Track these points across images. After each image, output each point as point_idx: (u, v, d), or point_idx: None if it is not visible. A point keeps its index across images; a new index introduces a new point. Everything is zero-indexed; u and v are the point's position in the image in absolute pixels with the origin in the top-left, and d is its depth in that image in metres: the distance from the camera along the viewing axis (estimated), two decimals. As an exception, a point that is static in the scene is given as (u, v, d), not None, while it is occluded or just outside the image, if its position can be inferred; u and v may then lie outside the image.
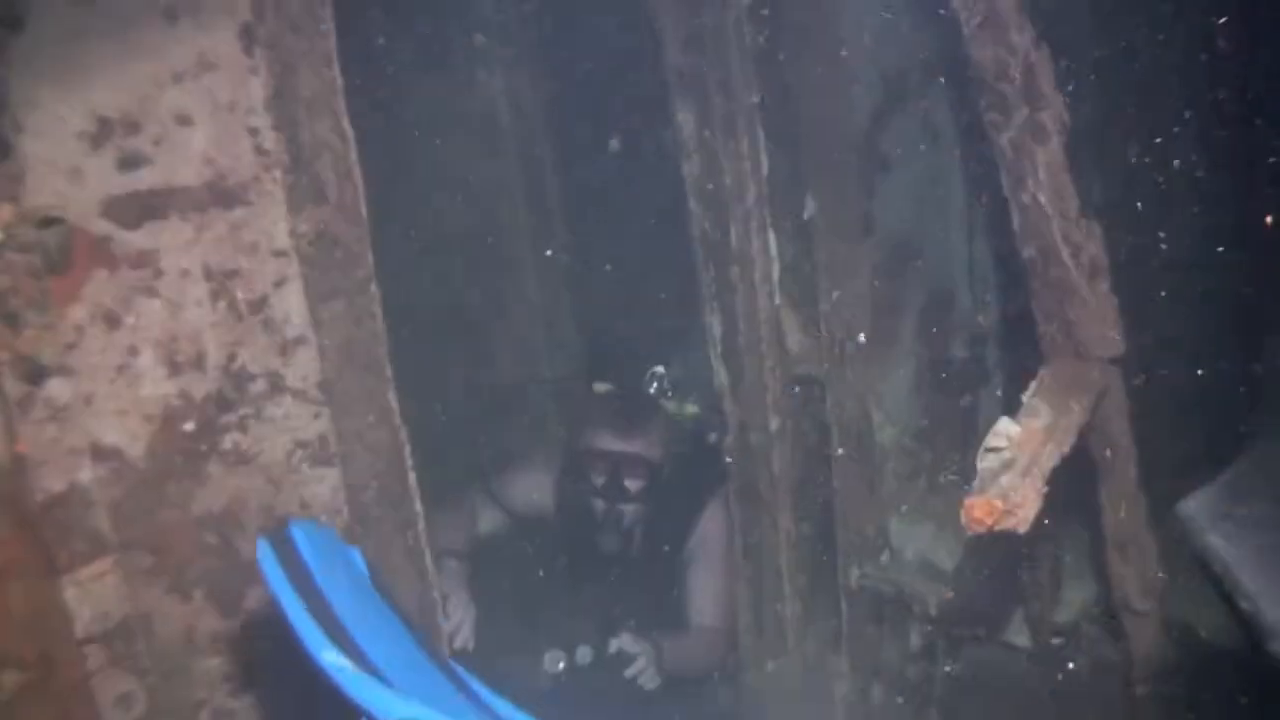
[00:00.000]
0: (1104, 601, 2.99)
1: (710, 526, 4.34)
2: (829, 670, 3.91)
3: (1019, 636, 3.25)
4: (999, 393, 3.77)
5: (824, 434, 3.62)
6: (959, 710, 3.59)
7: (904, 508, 3.69)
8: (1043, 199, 2.12)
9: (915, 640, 3.74)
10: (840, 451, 3.55)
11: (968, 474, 3.71)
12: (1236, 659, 2.68)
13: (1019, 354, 3.58)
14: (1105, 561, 2.48)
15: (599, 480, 4.20)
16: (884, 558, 3.67)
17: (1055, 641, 3.19)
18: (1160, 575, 2.44)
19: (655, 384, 4.44)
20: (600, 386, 4.48)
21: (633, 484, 4.20)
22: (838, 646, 3.84)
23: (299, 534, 2.06)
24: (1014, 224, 2.21)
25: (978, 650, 3.44)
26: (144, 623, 2.34)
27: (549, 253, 5.42)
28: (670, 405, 4.42)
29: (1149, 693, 2.57)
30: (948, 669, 3.57)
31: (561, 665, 4.23)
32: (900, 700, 3.72)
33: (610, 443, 4.20)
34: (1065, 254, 2.14)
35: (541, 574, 4.46)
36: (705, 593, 4.33)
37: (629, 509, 4.23)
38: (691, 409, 4.43)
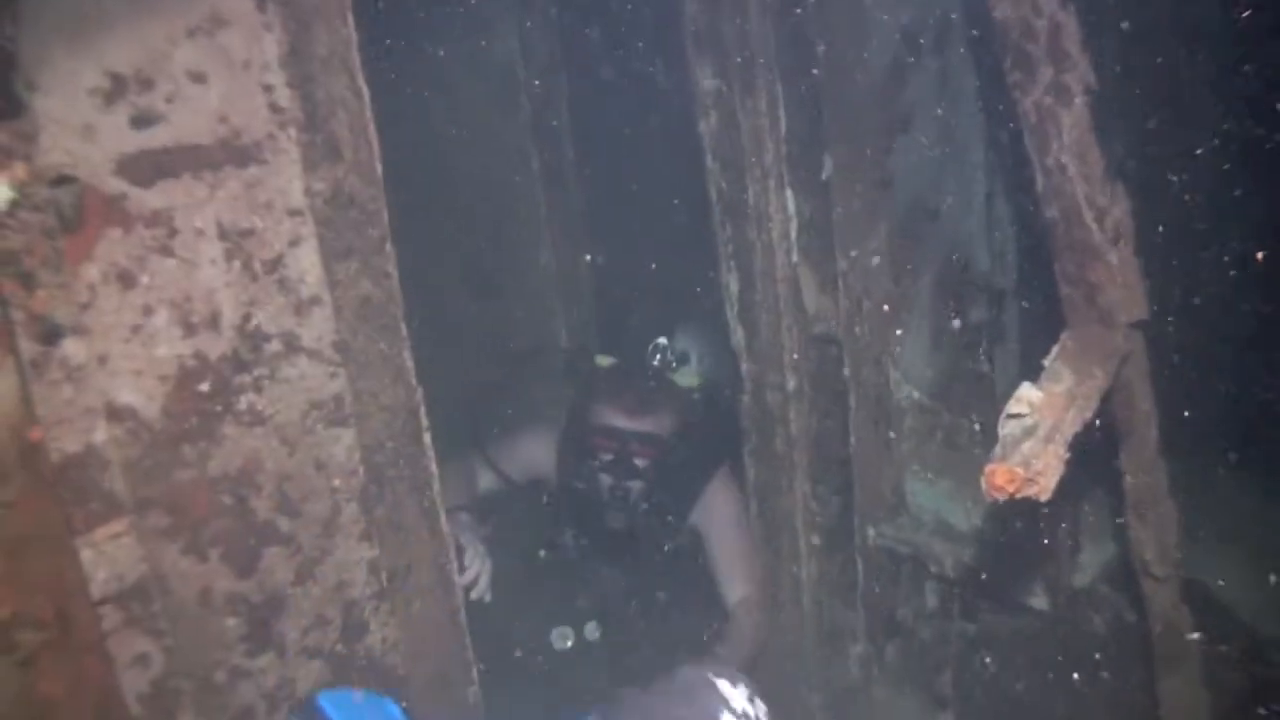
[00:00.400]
0: (1122, 564, 2.98)
1: (718, 498, 4.27)
2: (844, 630, 3.91)
3: (1036, 598, 3.24)
4: (1017, 352, 3.75)
5: (841, 393, 3.59)
6: (974, 671, 3.59)
7: (921, 467, 3.68)
8: (1067, 162, 2.08)
9: (931, 600, 3.75)
10: (857, 411, 3.53)
11: (985, 434, 3.75)
12: (1254, 624, 2.68)
13: (1037, 314, 3.59)
14: (1124, 525, 2.46)
15: (606, 458, 4.09)
16: (901, 517, 3.66)
17: (1072, 604, 3.18)
18: (1179, 541, 2.42)
19: (659, 356, 4.35)
20: (603, 360, 4.42)
21: (642, 461, 4.09)
22: (853, 606, 3.83)
23: (327, 705, 2.07)
24: (1038, 187, 2.18)
25: (994, 611, 3.43)
26: (160, 583, 2.34)
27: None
28: (676, 376, 4.32)
29: (1167, 656, 2.56)
30: (964, 629, 3.56)
31: (570, 643, 4.24)
32: (915, 660, 3.72)
33: (619, 419, 4.08)
34: (1089, 217, 2.10)
35: (541, 549, 4.38)
36: (731, 566, 4.21)
37: (635, 485, 4.13)
38: (694, 379, 4.35)
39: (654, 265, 4.86)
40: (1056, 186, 2.11)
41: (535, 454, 4.34)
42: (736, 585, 4.16)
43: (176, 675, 2.34)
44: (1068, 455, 1.86)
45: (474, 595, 3.60)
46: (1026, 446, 1.87)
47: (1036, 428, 1.90)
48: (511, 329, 5.47)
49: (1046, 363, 2.13)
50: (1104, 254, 2.12)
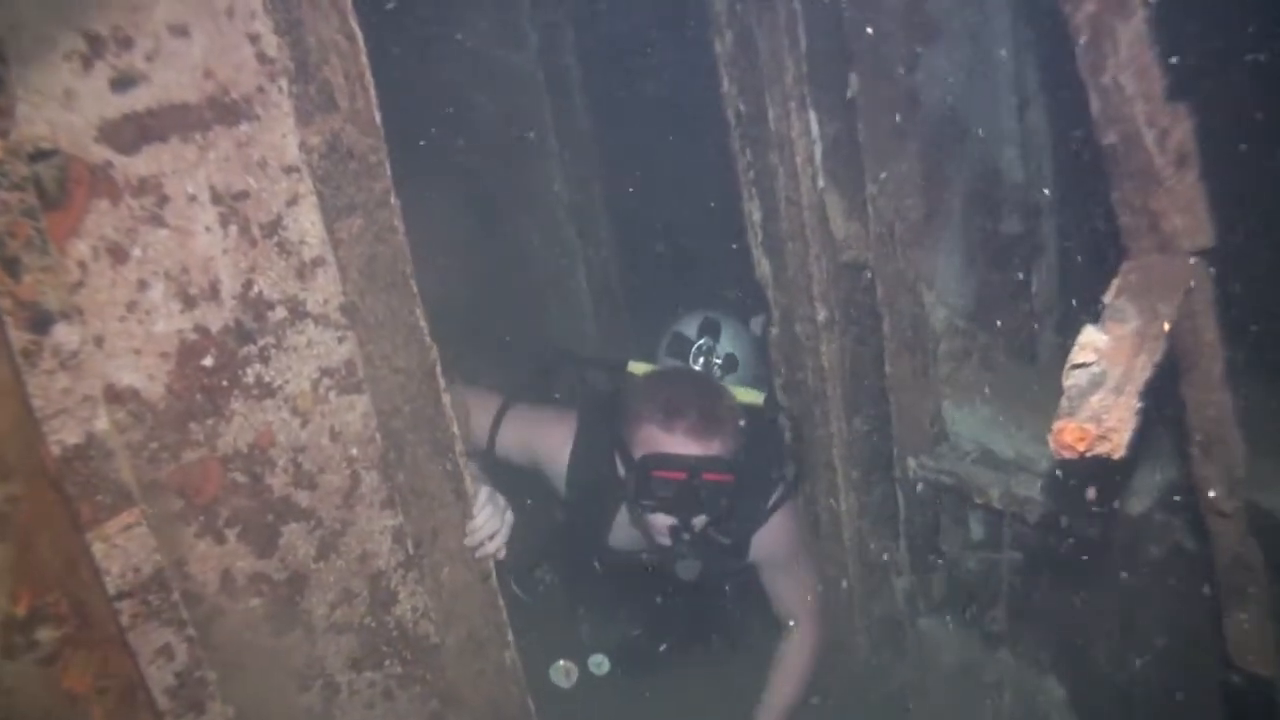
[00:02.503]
0: (1178, 490, 2.90)
1: (781, 527, 3.74)
2: (887, 563, 3.85)
3: (1088, 527, 3.15)
4: (1055, 267, 3.65)
5: (874, 321, 3.49)
6: (1026, 601, 3.53)
7: (959, 393, 3.58)
8: (1125, 81, 1.95)
9: (976, 531, 3.68)
10: (891, 338, 3.43)
11: (1024, 353, 3.66)
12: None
13: (1074, 226, 3.48)
14: (1186, 457, 2.36)
15: (665, 494, 3.29)
16: (941, 447, 3.57)
17: (1126, 532, 3.10)
18: (1245, 474, 2.32)
19: (701, 359, 3.87)
20: (639, 366, 3.79)
21: (713, 493, 3.30)
22: (895, 539, 3.77)
23: None
24: (1092, 109, 2.05)
25: (1043, 542, 3.35)
26: (177, 570, 2.28)
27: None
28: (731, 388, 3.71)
29: (1234, 591, 2.49)
30: (1013, 562, 3.49)
31: (573, 680, 3.85)
32: (963, 594, 3.66)
33: (682, 444, 3.27)
34: (1149, 140, 1.98)
35: (538, 569, 3.93)
36: (795, 595, 3.83)
37: (700, 522, 3.38)
38: (753, 394, 3.76)
39: (673, 196, 4.72)
40: (1114, 108, 1.98)
41: (551, 447, 3.67)
42: (800, 611, 3.85)
43: (202, 664, 2.28)
44: (1141, 406, 1.75)
45: (489, 550, 2.97)
46: (1096, 399, 1.75)
47: (1105, 377, 1.79)
48: (528, 261, 5.37)
49: (1107, 299, 2.01)
50: (1166, 179, 2.00)
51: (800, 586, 3.80)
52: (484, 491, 2.93)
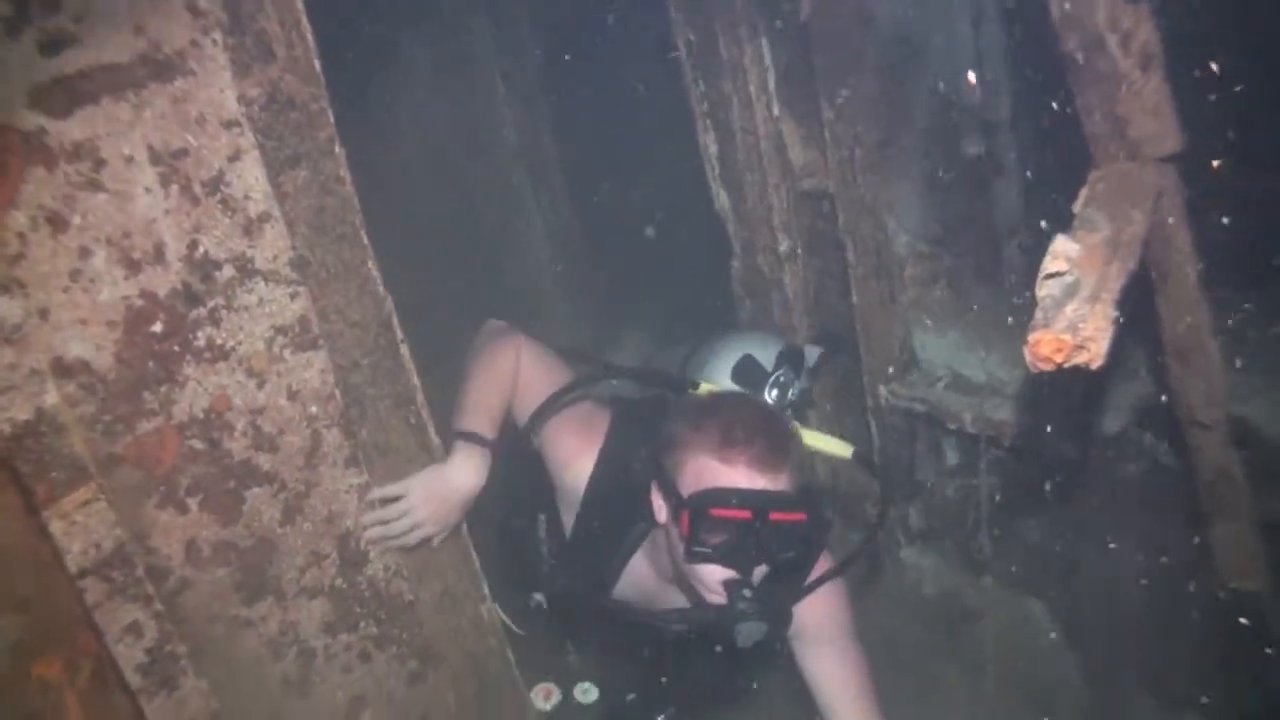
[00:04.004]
0: (1155, 406, 2.92)
1: (831, 601, 3.05)
2: (863, 493, 3.87)
3: (1065, 448, 3.18)
4: (1017, 186, 3.65)
5: (837, 250, 3.48)
6: (1007, 526, 3.56)
7: (927, 318, 3.60)
8: (1084, -17, 1.95)
9: (952, 457, 3.70)
10: (856, 266, 3.43)
11: (990, 275, 3.67)
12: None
13: (1036, 143, 3.48)
14: (1164, 370, 2.38)
15: (724, 537, 2.66)
16: (912, 374, 3.59)
17: (1104, 451, 3.13)
18: (1225, 385, 2.34)
19: (775, 391, 3.29)
20: (708, 387, 3.13)
21: (779, 538, 2.68)
22: (870, 470, 3.78)
23: None
24: (1051, 14, 2.04)
25: (1020, 464, 3.38)
26: (140, 544, 2.25)
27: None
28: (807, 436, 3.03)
29: (1218, 504, 2.52)
30: (991, 487, 3.52)
31: (552, 705, 3.44)
32: (943, 521, 3.69)
33: (748, 477, 2.64)
34: (1113, 42, 1.97)
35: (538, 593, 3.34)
36: (850, 682, 3.07)
37: (760, 572, 2.75)
38: (838, 445, 3.10)
39: (624, 138, 4.66)
40: (1074, 12, 1.98)
41: (574, 452, 3.08)
42: (863, 710, 3.06)
43: (172, 639, 2.27)
44: (1117, 314, 1.75)
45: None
46: (1071, 309, 1.75)
47: (1079, 286, 1.79)
48: (479, 210, 5.32)
49: (1076, 208, 2.01)
50: (1131, 82, 1.99)
51: (859, 673, 3.08)
52: (397, 488, 2.76)
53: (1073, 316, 1.75)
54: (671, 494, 2.72)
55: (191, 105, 2.20)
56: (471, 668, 3.06)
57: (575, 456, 3.02)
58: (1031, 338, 1.77)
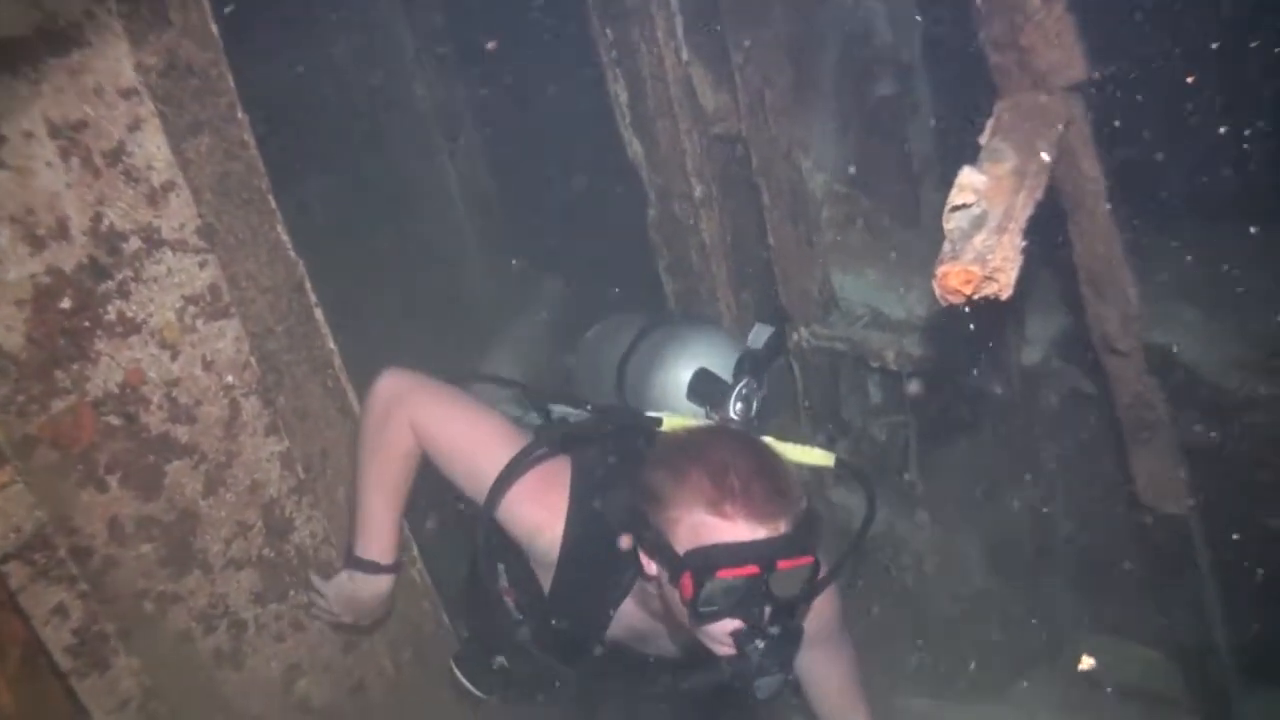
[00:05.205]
0: (1072, 336, 2.99)
1: (823, 604, 2.89)
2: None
3: (986, 381, 3.25)
4: (931, 126, 3.71)
5: (752, 193, 3.52)
6: (936, 460, 3.63)
7: (846, 259, 3.65)
8: (984, -87, 1.98)
9: (875, 395, 3.76)
10: (772, 209, 3.46)
11: (907, 214, 3.73)
12: (1218, 383, 2.72)
13: (949, 83, 3.54)
14: (1079, 299, 2.44)
15: (732, 595, 2.46)
16: (832, 315, 3.64)
17: (1024, 382, 3.20)
18: (1140, 312, 2.40)
19: (740, 405, 2.97)
20: (674, 420, 2.84)
21: (788, 584, 2.49)
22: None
23: None
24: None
25: (944, 398, 3.45)
26: (62, 525, 2.25)
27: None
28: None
29: (1137, 429, 2.59)
30: (916, 422, 3.59)
31: None
32: (870, 459, 3.75)
33: (749, 529, 2.43)
34: (1015, -28, 2.02)
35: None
36: (845, 683, 3.08)
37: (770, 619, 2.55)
38: (819, 455, 2.90)
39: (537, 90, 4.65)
40: (974, -57, 2.02)
41: (540, 521, 2.75)
42: (857, 712, 3.09)
43: (99, 618, 2.27)
44: (1025, 244, 1.80)
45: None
46: (979, 240, 1.80)
47: (986, 217, 1.83)
48: (393, 169, 5.28)
49: (983, 140, 2.06)
50: (1034, 12, 2.04)
51: (849, 673, 3.08)
52: (321, 587, 2.81)
53: (980, 247, 1.80)
54: (665, 553, 2.50)
55: (89, 76, 2.21)
56: (407, 633, 3.10)
57: (542, 526, 2.74)
58: (940, 270, 1.81)
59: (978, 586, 3.71)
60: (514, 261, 5.32)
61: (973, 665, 3.55)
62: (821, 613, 2.85)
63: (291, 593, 2.78)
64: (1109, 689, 3.34)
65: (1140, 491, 2.71)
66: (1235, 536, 2.84)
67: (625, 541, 2.61)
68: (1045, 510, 3.46)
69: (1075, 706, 3.31)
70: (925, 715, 3.55)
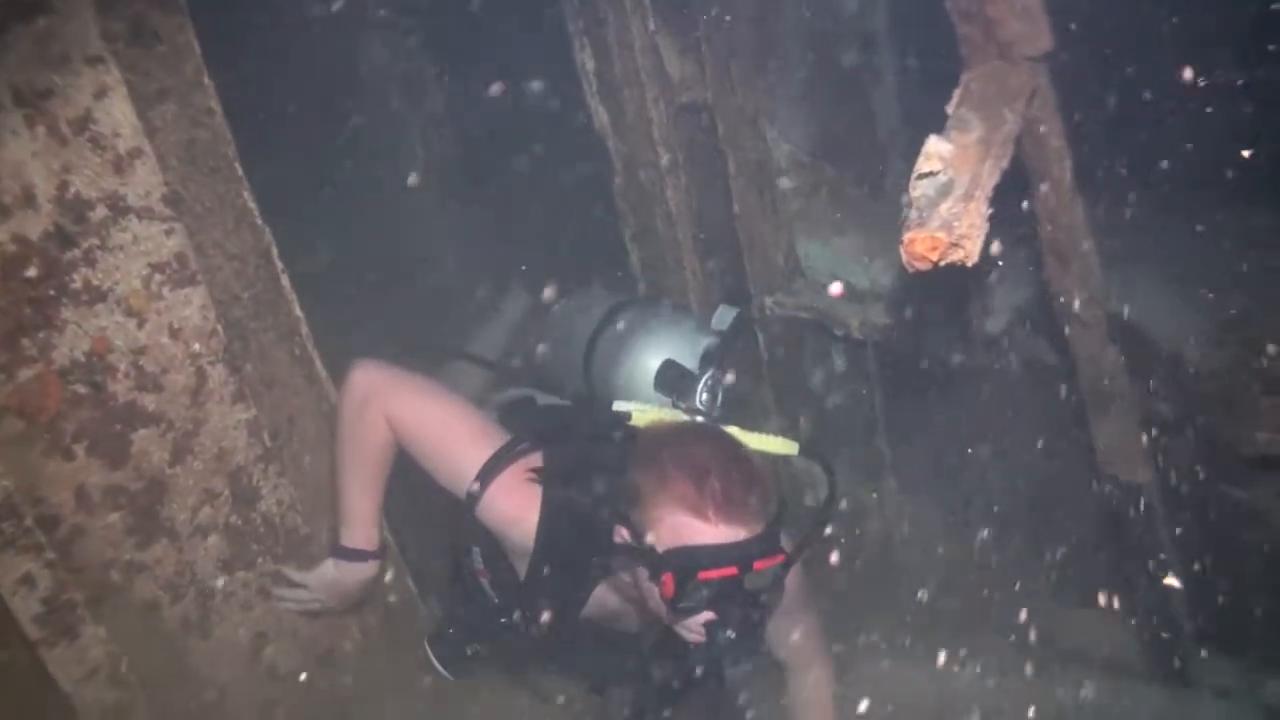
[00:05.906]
0: (1035, 305, 3.03)
1: (791, 576, 2.86)
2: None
3: (950, 349, 3.29)
4: (895, 95, 3.74)
5: (718, 162, 3.54)
6: (901, 428, 3.67)
7: (811, 227, 3.68)
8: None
9: (839, 364, 3.80)
10: (737, 177, 3.49)
11: (872, 183, 3.76)
12: (1177, 352, 2.77)
13: (914, 54, 3.57)
14: (1043, 268, 2.48)
15: (709, 594, 2.59)
16: (797, 283, 3.67)
17: (987, 351, 3.24)
18: (1103, 281, 2.45)
19: (705, 395, 3.08)
20: (644, 413, 2.95)
21: (762, 581, 2.64)
22: (759, 380, 3.87)
23: None
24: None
25: (906, 366, 3.49)
26: (28, 494, 2.26)
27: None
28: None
29: (1099, 398, 2.63)
30: (882, 391, 3.63)
31: None
32: (832, 427, 3.79)
33: (728, 532, 2.56)
34: (980, -55, 2.04)
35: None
36: (804, 641, 3.20)
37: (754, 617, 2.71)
38: (781, 444, 2.99)
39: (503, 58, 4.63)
40: (941, -86, 2.04)
41: (515, 514, 2.84)
42: (814, 659, 3.27)
43: (67, 587, 2.29)
44: (991, 211, 1.83)
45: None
46: (945, 207, 1.84)
47: (953, 185, 1.87)
48: (356, 139, 5.26)
49: (950, 109, 2.09)
50: (1002, -17, 2.07)
51: (813, 633, 3.25)
52: (299, 578, 2.90)
53: (947, 215, 1.83)
54: (646, 551, 2.62)
55: (55, 43, 2.21)
56: (375, 601, 3.12)
57: (517, 518, 2.82)
58: (906, 237, 1.85)
59: (941, 554, 3.77)
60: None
61: (935, 630, 3.59)
62: (789, 588, 2.91)
63: (259, 560, 2.80)
64: (1069, 656, 3.40)
65: (1101, 460, 2.76)
66: (1195, 505, 2.89)
67: (608, 535, 2.70)
68: (1007, 478, 3.51)
69: (1035, 673, 3.35)
70: (886, 678, 3.59)
